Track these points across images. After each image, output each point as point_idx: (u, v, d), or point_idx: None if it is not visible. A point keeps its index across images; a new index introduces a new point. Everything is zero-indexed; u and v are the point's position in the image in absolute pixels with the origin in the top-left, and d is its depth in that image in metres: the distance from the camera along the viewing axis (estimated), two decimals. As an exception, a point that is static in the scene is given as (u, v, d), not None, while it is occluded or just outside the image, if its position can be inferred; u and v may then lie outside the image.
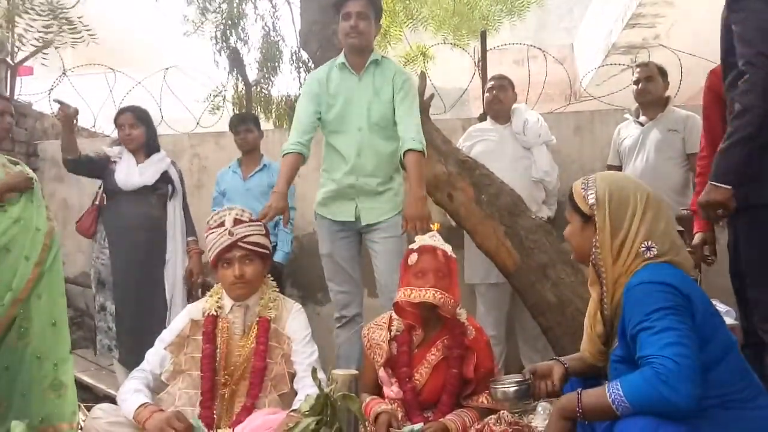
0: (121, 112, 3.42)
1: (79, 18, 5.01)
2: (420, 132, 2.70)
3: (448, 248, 2.16)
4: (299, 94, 6.62)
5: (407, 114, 2.71)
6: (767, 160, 1.89)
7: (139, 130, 3.33)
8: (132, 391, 2.02)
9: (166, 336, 2.19)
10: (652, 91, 3.42)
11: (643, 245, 1.53)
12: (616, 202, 1.56)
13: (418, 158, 2.63)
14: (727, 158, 1.87)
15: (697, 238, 2.55)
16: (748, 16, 1.84)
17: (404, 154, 2.65)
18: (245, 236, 2.15)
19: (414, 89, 2.84)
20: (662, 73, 3.48)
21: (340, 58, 2.86)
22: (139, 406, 1.94)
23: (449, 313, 2.08)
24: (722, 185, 1.88)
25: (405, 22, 7.14)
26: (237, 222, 2.16)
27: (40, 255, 2.58)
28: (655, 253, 1.52)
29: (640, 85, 3.45)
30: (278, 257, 3.54)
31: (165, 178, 3.33)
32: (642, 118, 3.50)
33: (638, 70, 3.48)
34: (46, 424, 2.48)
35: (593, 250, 1.57)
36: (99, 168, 3.34)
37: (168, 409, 2.05)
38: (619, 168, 3.56)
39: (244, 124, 3.76)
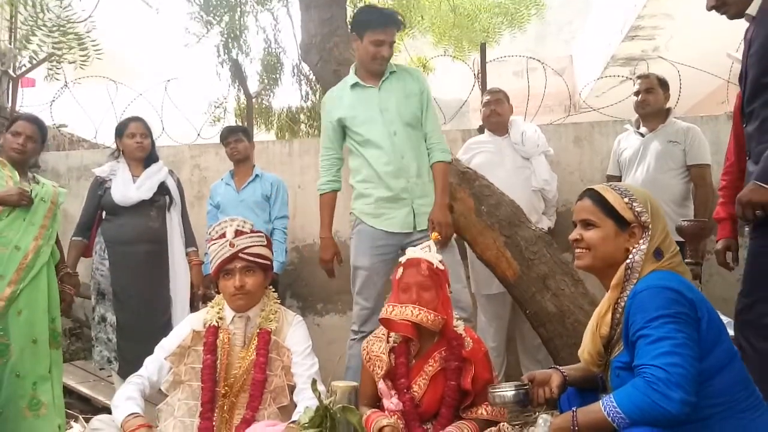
0: (132, 120, 3.40)
1: (87, 33, 5.03)
2: (445, 142, 2.85)
3: (436, 260, 2.16)
4: (300, 106, 6.68)
5: (433, 126, 2.84)
6: None
7: (148, 140, 3.35)
8: (125, 399, 2.02)
9: (167, 344, 2.19)
10: (652, 103, 3.43)
11: (655, 250, 1.57)
12: (655, 211, 1.62)
13: (446, 169, 2.81)
14: None
15: (720, 244, 2.60)
16: None
17: (432, 165, 2.77)
18: (246, 247, 2.15)
19: (431, 94, 2.92)
20: (663, 84, 3.48)
21: (351, 78, 2.87)
22: (128, 416, 1.94)
23: (433, 328, 2.08)
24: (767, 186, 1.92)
25: (406, 33, 7.19)
26: (238, 233, 2.16)
27: (14, 274, 2.56)
28: (662, 257, 1.56)
29: (640, 97, 3.45)
30: (274, 267, 3.53)
31: (162, 189, 3.33)
32: (642, 129, 3.51)
33: (639, 81, 3.49)
34: None
35: (633, 255, 1.57)
36: (97, 206, 3.32)
37: (167, 420, 2.05)
38: (619, 178, 3.56)
39: (233, 134, 3.78)
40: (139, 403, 2.03)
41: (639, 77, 3.53)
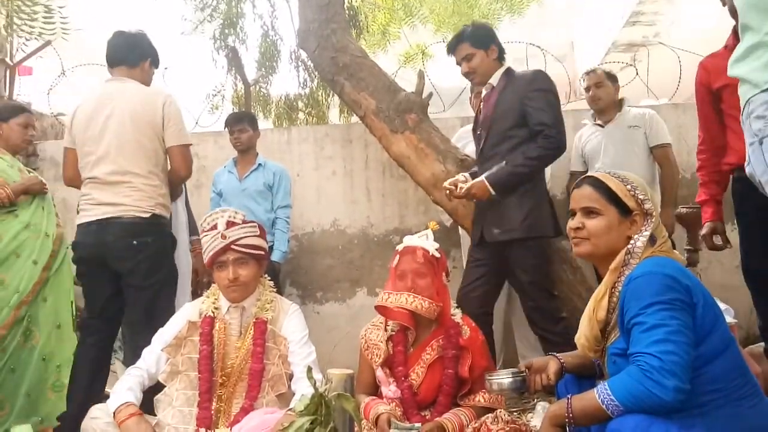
0: None
1: (60, 8, 4.89)
2: None
3: (432, 247, 2.15)
4: (298, 94, 6.63)
5: None
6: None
7: None
8: (123, 389, 2.04)
9: (164, 336, 2.20)
10: (602, 97, 3.47)
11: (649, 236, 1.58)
12: (654, 199, 1.63)
13: None
14: (509, 178, 2.60)
15: (706, 227, 2.58)
16: (550, 102, 2.65)
17: None
18: (239, 239, 2.14)
19: None
20: (611, 77, 3.51)
21: None
22: (121, 404, 1.97)
23: (428, 315, 2.08)
24: (491, 189, 2.59)
25: (404, 20, 7.14)
26: (230, 224, 2.15)
27: (48, 260, 2.64)
28: (655, 242, 1.57)
29: (591, 92, 3.49)
30: (275, 257, 3.53)
31: None
32: (599, 122, 3.54)
33: (586, 77, 3.52)
34: (46, 425, 2.54)
35: (635, 241, 1.57)
36: None
37: (166, 410, 2.06)
38: (584, 173, 3.55)
39: (239, 123, 3.72)
40: (137, 394, 2.05)
41: (587, 73, 3.56)
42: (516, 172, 2.59)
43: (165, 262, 2.68)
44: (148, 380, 2.13)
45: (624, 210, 1.60)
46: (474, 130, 2.88)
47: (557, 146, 2.60)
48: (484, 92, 2.87)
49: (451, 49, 2.85)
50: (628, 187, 1.61)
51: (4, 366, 2.48)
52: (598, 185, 1.64)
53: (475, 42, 2.77)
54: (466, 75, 2.84)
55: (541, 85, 2.67)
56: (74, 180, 2.75)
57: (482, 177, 2.61)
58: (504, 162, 2.62)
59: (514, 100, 2.68)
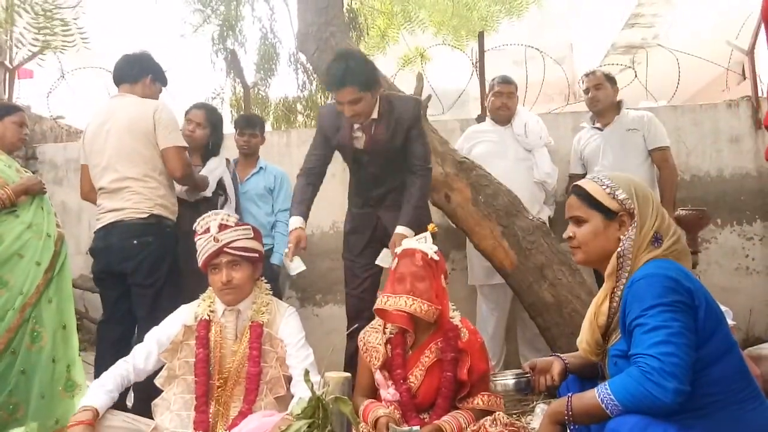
0: (195, 107, 3.33)
1: (75, 19, 4.94)
2: None
3: (431, 250, 2.15)
4: (297, 96, 6.65)
5: None
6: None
7: (204, 132, 3.24)
8: (99, 386, 2.00)
9: (157, 334, 2.18)
10: (601, 99, 3.46)
11: (653, 236, 1.55)
12: (642, 197, 1.59)
13: None
14: (416, 212, 2.71)
15: None
16: (425, 134, 2.85)
17: None
18: (231, 241, 2.13)
19: None
20: (609, 79, 3.51)
21: None
22: (82, 407, 1.90)
23: (427, 318, 2.08)
24: (411, 232, 2.57)
25: (403, 24, 7.15)
26: (222, 227, 2.14)
27: (50, 261, 2.65)
28: (662, 243, 1.55)
29: (590, 94, 3.49)
30: (275, 259, 3.52)
31: (219, 185, 3.26)
32: (598, 125, 3.54)
33: (586, 79, 3.52)
34: (62, 425, 2.53)
35: (623, 243, 1.56)
36: None
37: (164, 414, 2.05)
38: (583, 176, 3.56)
39: (250, 128, 3.69)
40: (110, 388, 1.99)
41: (586, 75, 3.56)
42: (420, 205, 2.78)
43: (166, 261, 2.77)
44: (134, 375, 2.09)
45: (608, 213, 1.59)
46: (354, 155, 2.83)
47: (430, 172, 2.85)
48: (357, 123, 2.74)
49: (334, 87, 2.60)
50: (607, 189, 1.60)
51: (15, 369, 2.49)
52: (579, 192, 1.65)
53: (362, 86, 2.56)
54: (350, 117, 2.65)
55: (419, 114, 2.84)
56: (89, 194, 2.94)
57: (398, 228, 2.65)
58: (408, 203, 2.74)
59: (399, 128, 2.73)
